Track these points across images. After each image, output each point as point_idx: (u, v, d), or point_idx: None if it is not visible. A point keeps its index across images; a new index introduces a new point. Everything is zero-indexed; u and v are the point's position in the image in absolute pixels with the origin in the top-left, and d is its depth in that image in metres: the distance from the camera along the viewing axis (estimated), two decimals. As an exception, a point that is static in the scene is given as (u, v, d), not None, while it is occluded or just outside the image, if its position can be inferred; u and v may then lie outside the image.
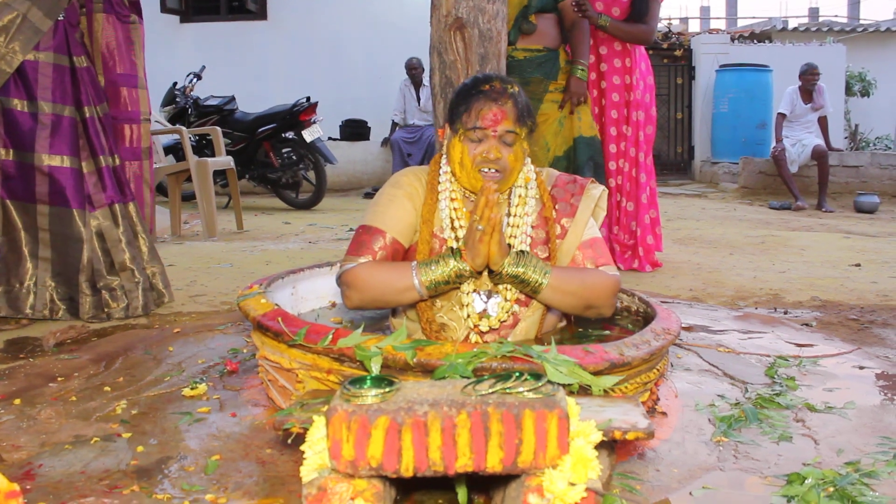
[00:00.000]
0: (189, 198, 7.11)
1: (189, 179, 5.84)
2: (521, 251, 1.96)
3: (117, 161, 3.01)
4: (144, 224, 3.12)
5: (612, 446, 1.62)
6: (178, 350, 2.55)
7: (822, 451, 1.82)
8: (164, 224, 5.80)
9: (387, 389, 1.28)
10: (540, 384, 1.28)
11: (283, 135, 7.65)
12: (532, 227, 2.07)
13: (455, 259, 1.92)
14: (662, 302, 2.90)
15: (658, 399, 2.07)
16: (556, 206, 2.12)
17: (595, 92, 4.15)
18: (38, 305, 2.86)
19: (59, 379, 2.26)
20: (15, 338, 2.71)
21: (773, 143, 8.21)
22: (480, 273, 1.98)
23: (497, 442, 1.24)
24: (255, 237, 5.69)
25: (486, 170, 1.97)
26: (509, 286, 2.02)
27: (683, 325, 2.89)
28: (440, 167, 2.11)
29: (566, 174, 2.20)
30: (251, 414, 2.00)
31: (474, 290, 2.04)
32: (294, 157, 7.73)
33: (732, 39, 11.00)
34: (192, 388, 2.14)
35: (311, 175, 7.79)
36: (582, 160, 3.82)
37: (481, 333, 2.04)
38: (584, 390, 1.65)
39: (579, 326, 2.29)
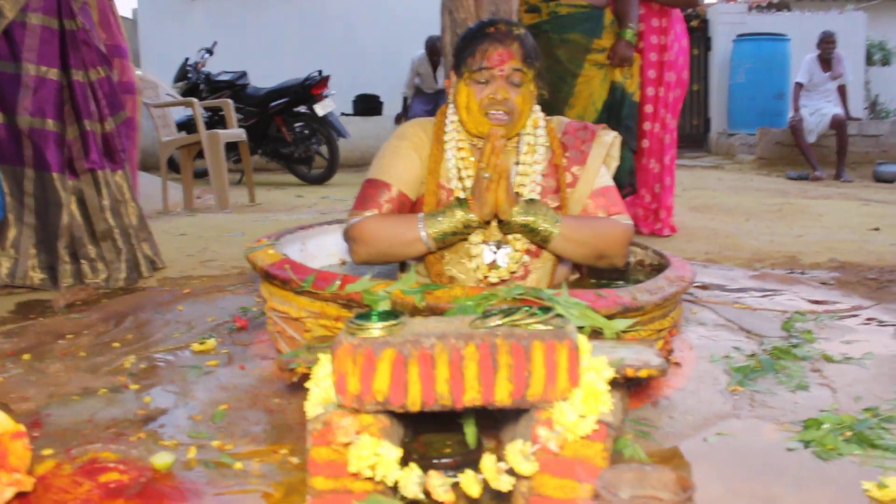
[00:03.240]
0: (202, 174, 7.10)
1: (201, 156, 5.82)
2: (531, 200, 1.91)
3: (108, 127, 2.95)
4: (134, 193, 3.07)
5: (626, 391, 1.59)
6: (187, 309, 2.55)
7: (839, 399, 1.78)
8: (176, 199, 5.80)
9: (393, 322, 1.25)
10: (549, 316, 1.25)
11: (295, 109, 7.60)
12: (542, 175, 2.02)
13: (462, 209, 1.87)
14: (677, 261, 2.87)
15: (672, 350, 2.04)
16: (567, 154, 2.06)
17: (637, 55, 4.07)
18: (17, 272, 2.82)
19: (69, 336, 2.26)
20: (25, 300, 2.71)
21: (791, 114, 8.09)
22: (489, 223, 1.94)
23: (506, 374, 1.21)
24: (268, 210, 5.67)
25: (493, 112, 1.92)
26: (519, 236, 1.97)
27: (698, 284, 2.86)
28: (446, 117, 2.06)
29: (577, 121, 2.15)
30: (259, 367, 1.99)
31: (483, 241, 1.99)
32: (306, 132, 7.68)
33: (750, 9, 10.82)
34: (200, 344, 2.13)
35: (324, 150, 7.75)
36: (623, 115, 3.77)
37: (491, 285, 2.00)
38: (597, 335, 1.62)
39: (592, 278, 2.26)
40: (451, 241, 1.93)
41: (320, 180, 7.77)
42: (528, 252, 2.00)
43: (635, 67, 3.82)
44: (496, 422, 1.46)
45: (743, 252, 3.65)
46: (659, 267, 2.21)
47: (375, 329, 1.25)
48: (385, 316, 1.29)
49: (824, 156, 7.95)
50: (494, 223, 1.95)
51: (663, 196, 4.17)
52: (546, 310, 1.28)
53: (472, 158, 2.01)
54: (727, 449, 1.56)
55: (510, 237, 1.98)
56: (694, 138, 10.80)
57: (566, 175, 2.04)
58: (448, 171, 2.02)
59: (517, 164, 2.01)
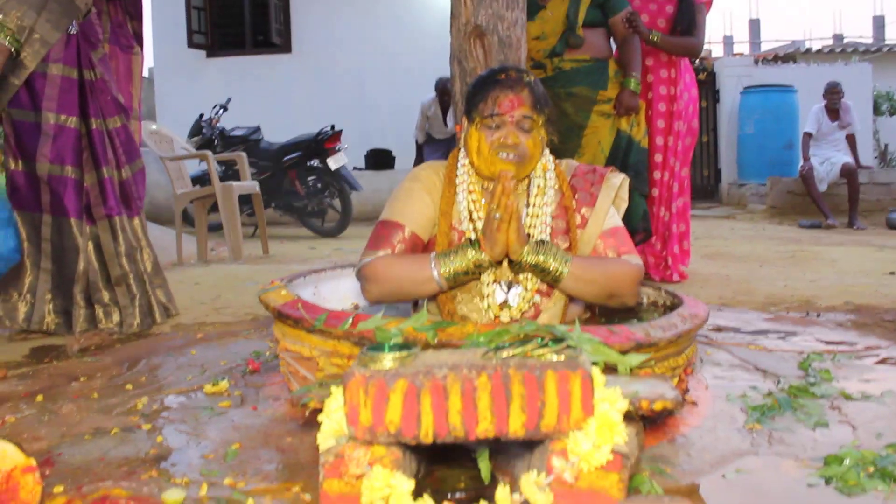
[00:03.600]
0: (216, 228, 7.16)
1: (216, 209, 5.87)
2: (541, 240, 1.93)
3: (125, 174, 2.99)
4: (149, 239, 3.10)
5: (641, 427, 1.57)
6: (200, 353, 2.55)
7: (860, 436, 1.75)
8: (190, 251, 5.83)
9: (405, 354, 1.25)
10: (561, 346, 1.24)
11: (308, 163, 7.69)
12: (552, 216, 2.04)
13: (473, 249, 1.89)
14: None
15: (688, 389, 2.02)
16: (576, 196, 2.09)
17: (642, 102, 4.11)
18: (34, 317, 2.85)
19: (82, 379, 2.26)
20: (40, 345, 2.72)
21: (801, 163, 8.12)
22: (500, 263, 1.96)
23: (519, 405, 1.20)
24: (281, 261, 5.70)
25: (503, 154, 1.95)
26: (530, 276, 1.99)
27: (713, 326, 2.84)
28: (458, 160, 2.10)
29: (586, 164, 2.18)
30: (272, 407, 1.97)
31: (494, 281, 2.00)
32: (319, 185, 7.76)
33: (756, 61, 10.97)
34: (213, 385, 2.13)
35: (337, 203, 7.80)
36: (631, 163, 3.79)
37: (497, 324, 2.00)
38: (611, 371, 1.61)
39: (603, 317, 2.25)
40: (463, 280, 1.94)
41: (333, 233, 7.82)
42: (539, 292, 2.01)
43: (641, 115, 3.86)
44: (511, 459, 1.44)
45: (757, 297, 3.63)
46: (672, 307, 2.20)
47: (387, 360, 1.24)
48: (397, 347, 1.28)
49: (836, 204, 7.95)
50: (505, 263, 1.97)
51: (670, 243, 4.16)
52: (558, 340, 1.27)
53: (484, 201, 2.03)
54: (746, 486, 1.53)
55: (521, 277, 2.00)
56: (705, 189, 10.84)
57: (576, 216, 2.06)
58: (460, 212, 2.05)
59: (527, 205, 2.04)
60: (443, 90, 8.75)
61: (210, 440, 1.76)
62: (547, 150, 2.08)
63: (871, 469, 1.54)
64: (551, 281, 1.93)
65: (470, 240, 1.92)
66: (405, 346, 1.30)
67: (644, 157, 3.89)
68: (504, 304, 2.00)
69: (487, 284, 2.00)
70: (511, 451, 1.42)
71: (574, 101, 3.79)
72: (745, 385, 2.14)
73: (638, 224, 3.80)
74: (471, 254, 1.89)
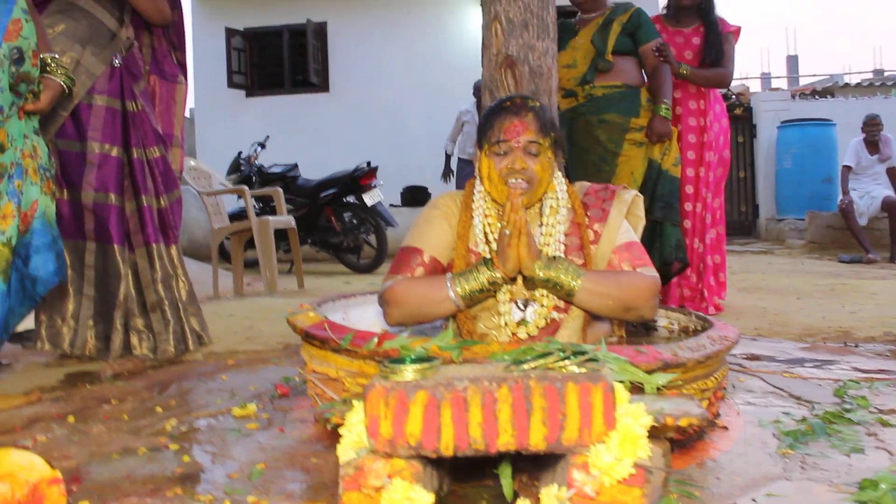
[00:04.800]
0: (252, 264, 7.24)
1: (252, 245, 5.93)
2: (553, 256, 1.98)
3: (163, 203, 3.06)
4: (185, 267, 3.14)
5: (668, 448, 1.54)
6: (230, 378, 2.56)
7: (897, 462, 1.70)
8: (226, 286, 5.89)
9: (426, 366, 1.25)
10: (583, 359, 1.23)
11: (344, 199, 7.75)
12: (565, 234, 2.09)
13: (488, 267, 1.95)
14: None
15: (718, 413, 1.98)
16: (588, 213, 2.13)
17: (675, 129, 4.09)
18: (77, 342, 2.90)
19: (113, 401, 2.28)
20: (75, 371, 2.75)
21: (840, 197, 8.01)
22: (514, 280, 2.01)
23: (540, 417, 1.19)
24: (316, 295, 5.73)
25: (513, 181, 2.00)
26: (546, 293, 2.02)
27: (746, 355, 2.79)
28: (474, 187, 2.16)
29: (598, 184, 2.21)
30: (298, 429, 1.97)
31: (511, 300, 2.04)
32: (355, 221, 7.81)
33: (793, 96, 10.88)
34: (241, 408, 2.14)
35: (372, 239, 7.85)
36: (661, 193, 3.77)
37: (521, 342, 2.01)
38: (637, 392, 1.58)
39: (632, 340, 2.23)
40: (479, 298, 1.99)
41: (369, 269, 7.84)
42: (556, 308, 2.04)
43: (673, 142, 3.83)
44: (533, 479, 1.42)
45: (793, 328, 3.56)
46: (703, 331, 2.17)
47: (408, 372, 1.24)
48: (419, 360, 1.28)
49: (877, 238, 7.80)
50: (520, 281, 2.01)
51: (706, 275, 4.11)
52: (580, 353, 1.26)
53: (498, 224, 2.07)
54: (778, 510, 1.49)
55: (537, 294, 2.03)
56: (742, 225, 10.73)
57: (588, 232, 2.10)
58: (476, 235, 2.10)
59: (541, 225, 2.09)
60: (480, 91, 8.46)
61: (236, 460, 1.77)
62: (558, 172, 2.11)
63: (908, 494, 1.49)
64: (565, 296, 1.96)
65: (484, 259, 1.97)
66: (426, 359, 1.30)
67: (675, 186, 3.85)
68: (521, 322, 2.02)
69: (504, 303, 2.04)
70: (535, 470, 1.40)
71: (606, 128, 3.78)
72: (779, 411, 2.09)
73: (670, 254, 3.77)
74: (485, 272, 1.94)
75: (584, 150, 3.87)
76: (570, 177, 4.00)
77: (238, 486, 1.61)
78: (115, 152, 2.93)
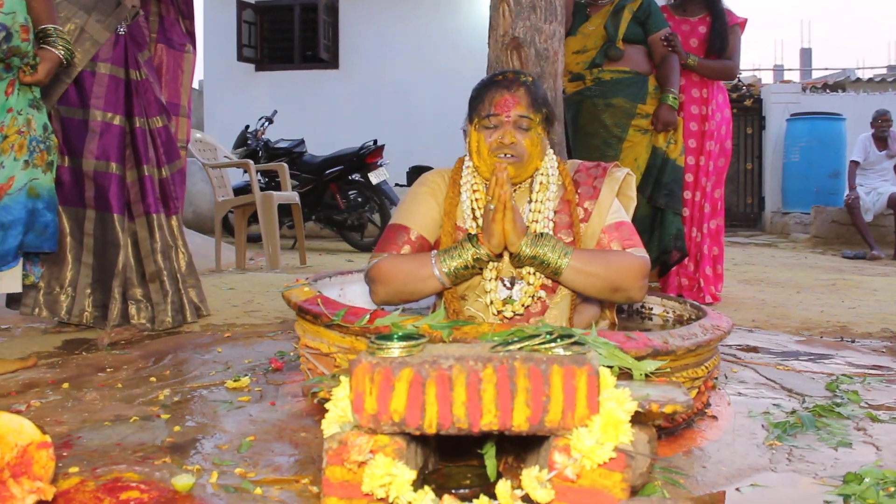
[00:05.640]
0: (255, 239, 7.24)
1: (256, 220, 5.93)
2: (541, 233, 1.95)
3: (165, 173, 3.06)
4: (185, 239, 3.15)
5: (654, 435, 1.55)
6: (226, 351, 2.58)
7: (884, 456, 1.70)
8: (228, 259, 5.90)
9: (413, 343, 1.25)
10: (568, 341, 1.23)
11: (349, 177, 7.76)
12: (555, 211, 2.07)
13: (472, 243, 1.93)
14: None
15: (708, 403, 1.99)
16: (579, 190, 2.11)
17: (680, 119, 4.07)
18: (74, 310, 2.90)
19: (108, 370, 2.30)
20: (72, 338, 2.77)
21: (847, 192, 7.98)
22: (500, 257, 1.98)
23: (523, 398, 1.19)
24: (318, 271, 5.74)
25: (502, 155, 1.99)
26: (533, 271, 2.00)
27: (742, 346, 2.79)
28: (463, 163, 2.16)
29: (589, 161, 2.20)
30: (290, 403, 1.98)
31: (497, 277, 2.03)
32: (360, 199, 7.81)
33: (804, 89, 10.80)
34: (234, 381, 2.15)
35: (377, 217, 7.86)
36: (665, 181, 3.79)
37: (507, 320, 2.01)
38: (626, 378, 1.59)
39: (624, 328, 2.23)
40: (464, 275, 1.97)
41: (372, 248, 7.84)
42: (543, 287, 2.03)
43: (679, 132, 3.85)
44: (519, 461, 1.43)
45: (791, 321, 3.56)
46: (697, 320, 2.17)
47: (395, 349, 1.25)
48: (406, 338, 1.29)
49: (882, 235, 7.78)
50: (507, 258, 1.99)
51: (702, 264, 4.11)
52: (567, 336, 1.26)
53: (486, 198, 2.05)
54: (761, 500, 1.50)
55: (524, 272, 2.01)
56: (748, 217, 10.71)
57: (578, 210, 2.08)
58: (463, 212, 2.09)
59: (530, 201, 2.07)
60: None
61: (226, 432, 1.78)
62: (550, 149, 2.10)
63: (893, 489, 1.49)
64: (552, 274, 1.94)
65: (469, 235, 1.95)
66: (414, 336, 1.30)
67: (679, 175, 3.87)
68: (507, 300, 2.01)
69: (490, 280, 2.02)
70: (522, 452, 1.41)
71: (613, 112, 3.80)
72: (769, 402, 2.10)
73: (670, 242, 3.79)
74: (469, 248, 1.93)
75: (588, 133, 3.88)
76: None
77: (227, 457, 1.62)
78: (117, 121, 2.93)
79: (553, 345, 1.23)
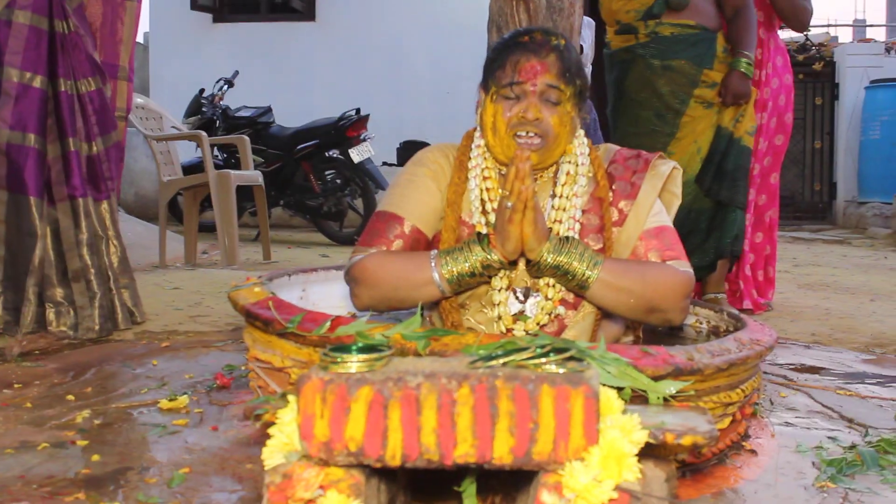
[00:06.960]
0: (209, 228, 7.25)
1: (209, 204, 5.91)
2: (566, 237, 1.92)
3: (96, 149, 3.05)
4: (118, 229, 3.15)
5: (675, 473, 1.56)
6: (162, 364, 2.60)
7: (959, 502, 1.71)
8: (176, 252, 5.92)
9: (375, 357, 1.26)
10: (563, 356, 1.24)
11: (326, 154, 7.76)
12: (582, 211, 2.04)
13: (482, 246, 1.89)
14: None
15: (747, 434, 2.00)
16: (614, 186, 2.08)
17: (754, 90, 3.94)
18: None
19: (16, 386, 2.32)
20: (-28, 347, 2.79)
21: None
22: (514, 263, 1.95)
23: (506, 425, 1.20)
24: (285, 269, 5.75)
25: (523, 133, 1.95)
26: (551, 282, 1.98)
27: (796, 365, 2.80)
28: (473, 141, 2.11)
29: (628, 149, 2.16)
30: (235, 428, 2.00)
31: (508, 287, 2.01)
32: (338, 181, 7.81)
33: (888, 50, 10.78)
34: (170, 400, 2.17)
35: (359, 203, 7.86)
36: (730, 168, 3.73)
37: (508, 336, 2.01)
38: (641, 401, 1.60)
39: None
40: (469, 284, 1.95)
41: (352, 240, 7.84)
42: (563, 303, 2.00)
43: (749, 106, 3.77)
44: (508, 502, 1.44)
45: (860, 335, 3.57)
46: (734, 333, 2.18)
47: (353, 363, 1.25)
48: (367, 349, 1.30)
49: (980, 231, 7.79)
50: (522, 265, 1.96)
51: (743, 262, 4.08)
52: (562, 350, 1.27)
53: (500, 189, 2.02)
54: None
55: (541, 283, 1.99)
56: (815, 207, 10.71)
57: (612, 211, 2.05)
58: (470, 202, 2.05)
59: (553, 196, 2.04)
60: None
61: (156, 463, 1.80)
62: (581, 131, 2.07)
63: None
64: (576, 288, 1.92)
65: (479, 234, 1.92)
66: (377, 348, 1.31)
67: (746, 160, 3.80)
68: (519, 316, 1.99)
69: (500, 291, 2.00)
70: (511, 490, 1.42)
71: (671, 77, 3.73)
72: (823, 435, 2.11)
73: (727, 247, 3.74)
74: (478, 252, 1.88)
75: (637, 102, 3.82)
76: (613, 136, 3.96)
77: (154, 493, 1.63)
78: (37, 83, 2.92)
79: (544, 360, 1.24)
